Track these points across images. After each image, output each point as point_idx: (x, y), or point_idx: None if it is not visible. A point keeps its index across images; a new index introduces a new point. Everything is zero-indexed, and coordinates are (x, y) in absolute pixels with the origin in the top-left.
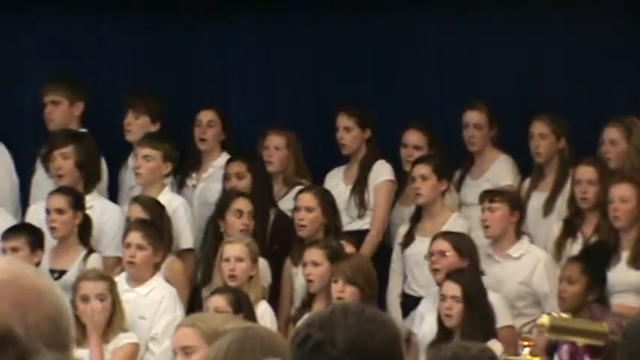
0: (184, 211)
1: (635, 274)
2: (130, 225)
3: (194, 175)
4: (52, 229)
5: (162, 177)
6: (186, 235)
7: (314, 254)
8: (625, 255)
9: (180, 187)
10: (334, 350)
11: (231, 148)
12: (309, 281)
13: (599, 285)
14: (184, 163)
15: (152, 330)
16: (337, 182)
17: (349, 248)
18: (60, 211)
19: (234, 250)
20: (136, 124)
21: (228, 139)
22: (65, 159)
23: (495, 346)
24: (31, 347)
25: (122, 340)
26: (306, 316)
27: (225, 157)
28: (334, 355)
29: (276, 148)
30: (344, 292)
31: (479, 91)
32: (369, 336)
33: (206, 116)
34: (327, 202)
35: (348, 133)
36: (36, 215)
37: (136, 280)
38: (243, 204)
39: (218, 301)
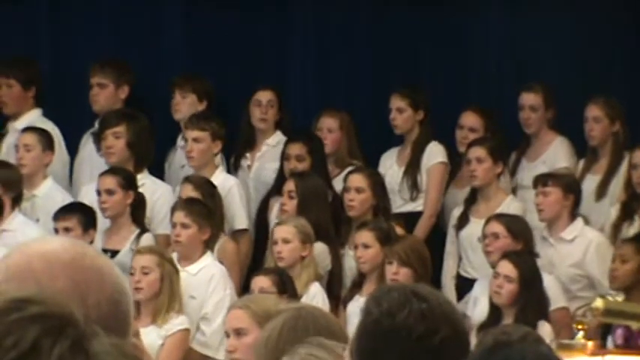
0: (238, 192)
1: None
2: (175, 204)
3: (248, 155)
4: (103, 209)
5: (213, 156)
6: (240, 216)
7: (364, 236)
8: None
9: (235, 169)
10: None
11: (285, 127)
12: (361, 263)
13: None
14: (238, 145)
15: (202, 309)
16: (391, 163)
17: (398, 230)
18: (110, 192)
19: (280, 231)
20: (184, 104)
21: (282, 119)
22: (117, 138)
23: (544, 328)
24: (89, 331)
25: (174, 326)
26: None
27: (278, 135)
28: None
29: (329, 130)
30: (398, 273)
31: (537, 74)
32: None
33: (266, 96)
34: (377, 184)
35: (401, 114)
36: (88, 195)
37: (186, 259)
38: (286, 184)
39: (263, 282)
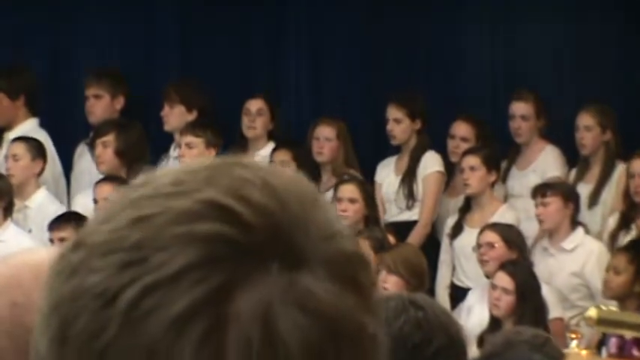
0: None
1: None
2: None
3: None
4: None
5: None
6: None
7: None
8: None
9: None
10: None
11: (278, 137)
12: None
13: None
14: (231, 153)
15: None
16: (388, 172)
17: (390, 239)
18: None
19: None
20: (172, 114)
21: (275, 129)
22: (105, 147)
23: None
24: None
25: None
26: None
27: (271, 146)
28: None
29: (326, 139)
30: (387, 282)
31: (529, 82)
32: None
33: (255, 105)
34: (368, 194)
35: (398, 124)
36: (81, 205)
37: None
38: None
39: None
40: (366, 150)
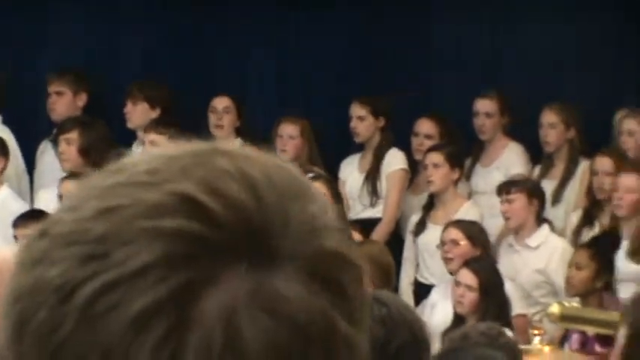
0: None
1: (634, 266)
2: None
3: None
4: None
5: None
6: None
7: None
8: (625, 245)
9: None
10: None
11: (245, 134)
12: None
13: (607, 272)
14: None
15: None
16: (352, 170)
17: (356, 236)
18: None
19: None
20: (135, 111)
21: (242, 126)
22: (69, 144)
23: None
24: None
25: None
26: None
27: (238, 143)
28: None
29: (290, 136)
30: None
31: (495, 80)
32: None
33: (221, 102)
34: (335, 191)
35: (362, 122)
36: (44, 201)
37: None
38: None
39: None
40: (331, 147)
